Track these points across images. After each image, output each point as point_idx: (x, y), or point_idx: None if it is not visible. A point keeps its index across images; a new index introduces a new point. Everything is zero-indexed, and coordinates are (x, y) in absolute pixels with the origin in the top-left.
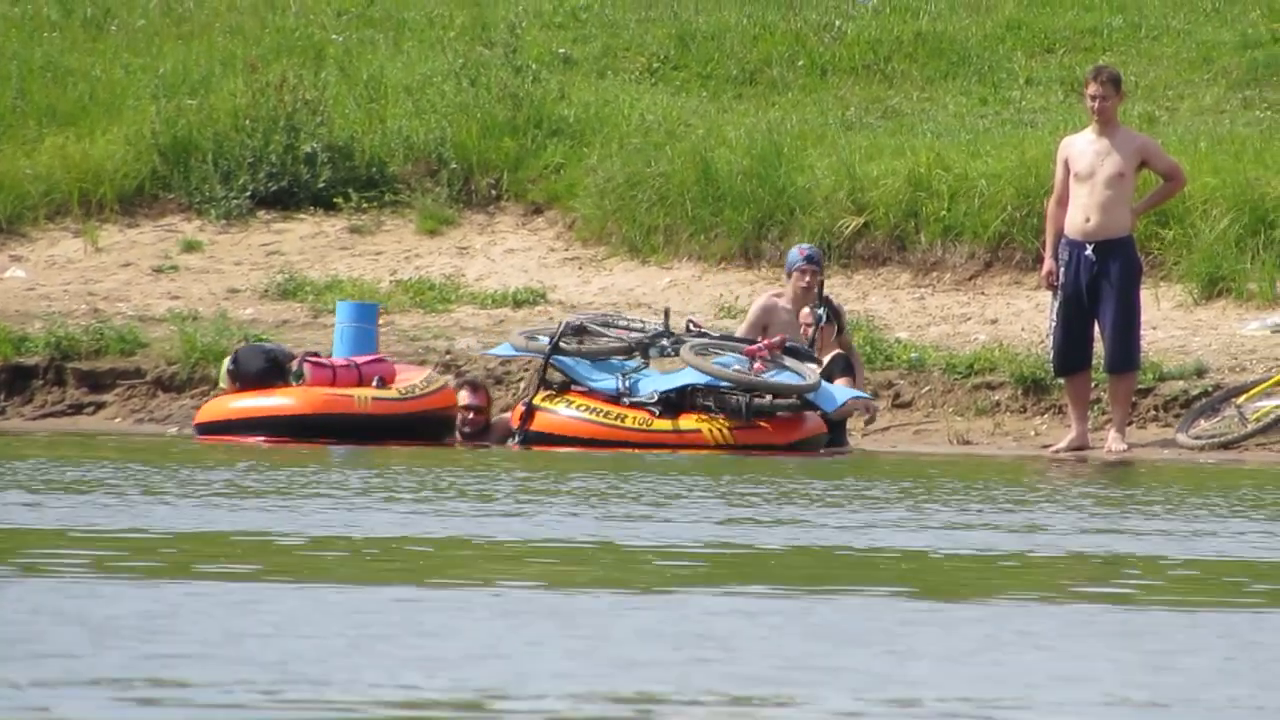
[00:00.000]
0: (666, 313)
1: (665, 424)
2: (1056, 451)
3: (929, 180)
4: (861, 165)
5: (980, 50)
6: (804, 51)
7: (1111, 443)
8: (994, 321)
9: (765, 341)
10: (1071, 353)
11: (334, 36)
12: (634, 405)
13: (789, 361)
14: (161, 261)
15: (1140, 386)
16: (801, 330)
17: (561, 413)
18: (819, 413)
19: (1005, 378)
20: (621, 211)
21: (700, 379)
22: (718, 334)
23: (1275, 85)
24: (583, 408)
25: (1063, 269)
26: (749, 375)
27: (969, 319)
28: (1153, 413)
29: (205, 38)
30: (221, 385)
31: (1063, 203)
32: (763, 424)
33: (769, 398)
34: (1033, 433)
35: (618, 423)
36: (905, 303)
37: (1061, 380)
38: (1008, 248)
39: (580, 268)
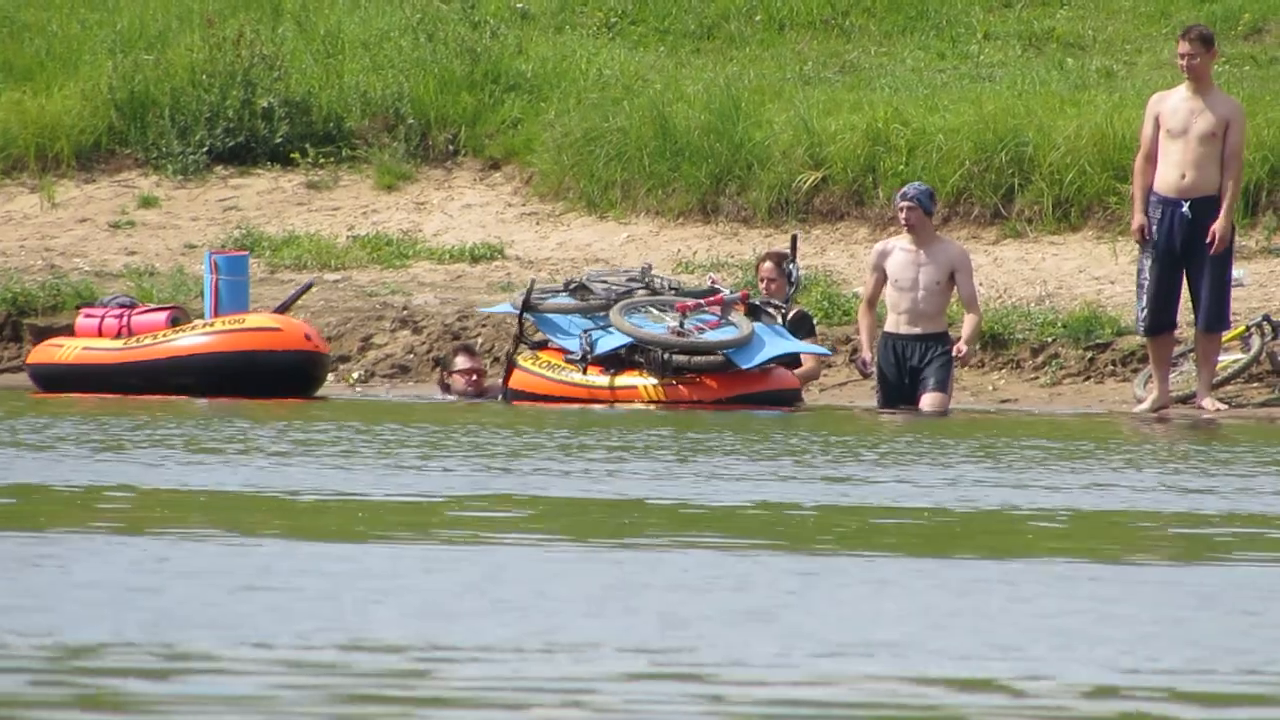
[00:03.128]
0: (646, 269)
1: (605, 380)
2: (1141, 413)
3: (887, 135)
4: (819, 120)
5: (938, 4)
6: (762, 6)
7: (1205, 402)
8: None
9: (713, 299)
10: (1163, 312)
11: None
12: (569, 362)
13: (734, 317)
14: (118, 217)
15: (1099, 341)
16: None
17: (529, 369)
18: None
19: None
20: (579, 167)
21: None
22: (675, 289)
23: (1232, 39)
24: (544, 364)
25: (1155, 225)
26: (666, 334)
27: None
28: (1111, 368)
29: None
30: None
31: (1151, 159)
32: (702, 380)
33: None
34: (990, 388)
35: (567, 379)
36: (863, 258)
37: (1145, 340)
38: (966, 202)
39: (538, 223)
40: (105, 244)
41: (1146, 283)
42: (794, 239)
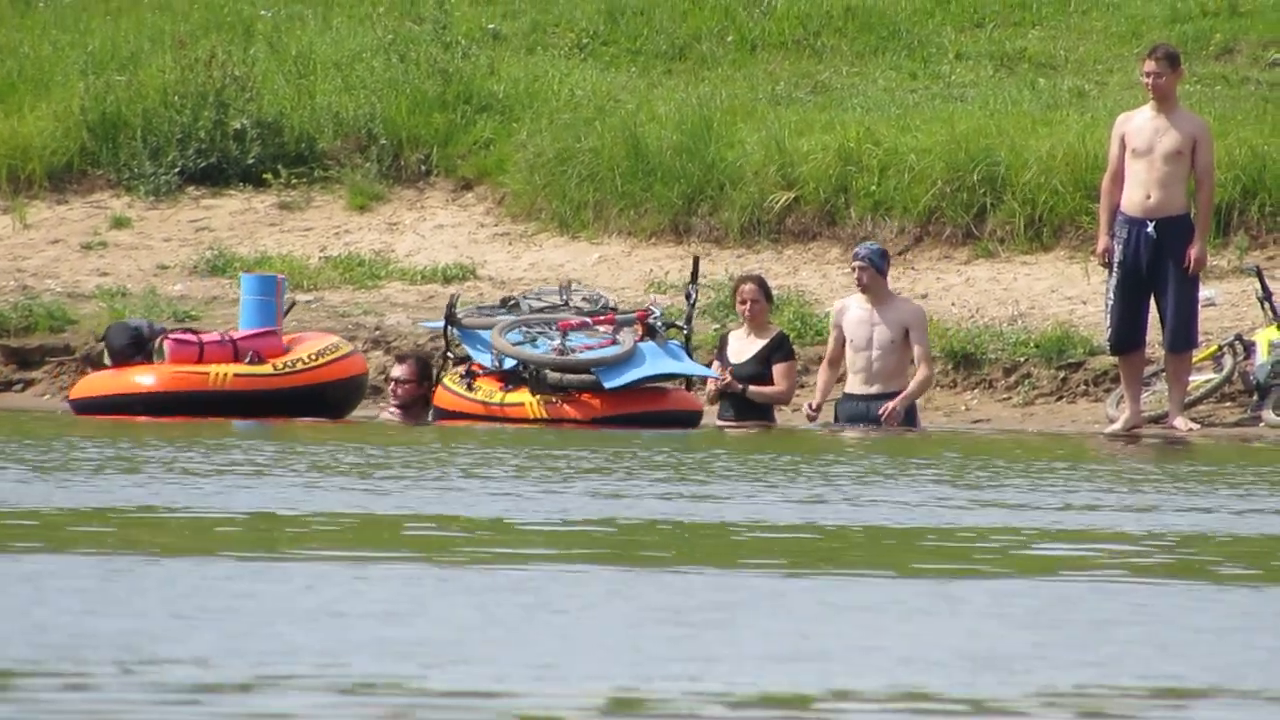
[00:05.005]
0: (565, 285)
1: (498, 398)
2: (1113, 433)
3: (859, 155)
4: (791, 140)
5: (910, 24)
6: (733, 26)
7: (1177, 422)
8: (924, 296)
9: (602, 317)
10: (1128, 331)
11: (263, 12)
12: (462, 378)
13: (622, 335)
14: (90, 238)
15: (1071, 361)
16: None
17: (444, 386)
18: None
19: (935, 352)
20: (551, 187)
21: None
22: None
23: (1204, 59)
24: (455, 380)
25: (1120, 245)
26: (547, 353)
27: (899, 293)
28: (1083, 388)
29: (134, 14)
30: (105, 362)
31: (1117, 179)
32: (587, 398)
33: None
34: (963, 408)
35: (467, 395)
36: (835, 278)
37: (1115, 359)
38: (938, 222)
39: (510, 243)
40: (77, 265)
41: (1111, 302)
42: (695, 260)
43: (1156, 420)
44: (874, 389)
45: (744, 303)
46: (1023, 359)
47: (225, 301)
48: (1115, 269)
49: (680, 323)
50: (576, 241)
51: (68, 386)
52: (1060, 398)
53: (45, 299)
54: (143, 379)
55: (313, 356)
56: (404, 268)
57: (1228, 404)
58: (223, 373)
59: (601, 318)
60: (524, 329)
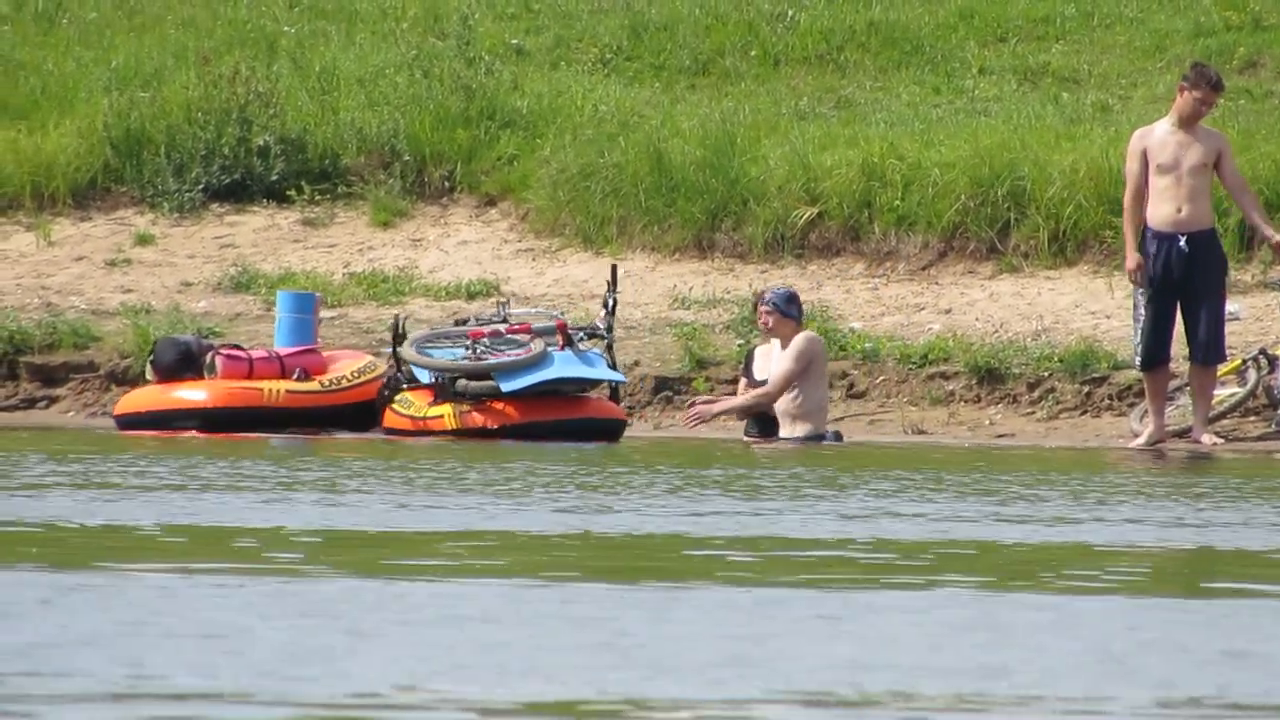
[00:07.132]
0: (503, 303)
1: (423, 411)
2: (1137, 447)
3: (882, 170)
4: (815, 155)
5: (933, 39)
6: (757, 41)
7: (1202, 437)
8: (948, 311)
9: (517, 327)
10: (1158, 347)
11: (286, 28)
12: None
13: (534, 343)
14: (114, 255)
15: (1095, 375)
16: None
17: (391, 404)
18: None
19: (959, 367)
20: (575, 203)
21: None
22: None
23: (1228, 73)
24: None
25: (1151, 260)
26: (441, 360)
27: (923, 309)
28: (1107, 401)
29: (157, 30)
30: (148, 377)
31: (1139, 197)
32: (498, 406)
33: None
34: (987, 422)
35: (403, 411)
36: (859, 293)
37: (1142, 374)
38: (962, 237)
39: (534, 259)
40: (102, 282)
41: (1142, 317)
42: (613, 268)
43: (1180, 435)
44: (784, 430)
45: (763, 317)
46: (1047, 373)
47: (249, 318)
48: (1147, 284)
49: (602, 331)
50: (600, 257)
51: (92, 404)
52: (1084, 412)
53: (69, 316)
54: (195, 394)
55: (356, 374)
56: (428, 284)
57: (1251, 418)
58: (276, 389)
59: (516, 327)
60: (441, 341)
